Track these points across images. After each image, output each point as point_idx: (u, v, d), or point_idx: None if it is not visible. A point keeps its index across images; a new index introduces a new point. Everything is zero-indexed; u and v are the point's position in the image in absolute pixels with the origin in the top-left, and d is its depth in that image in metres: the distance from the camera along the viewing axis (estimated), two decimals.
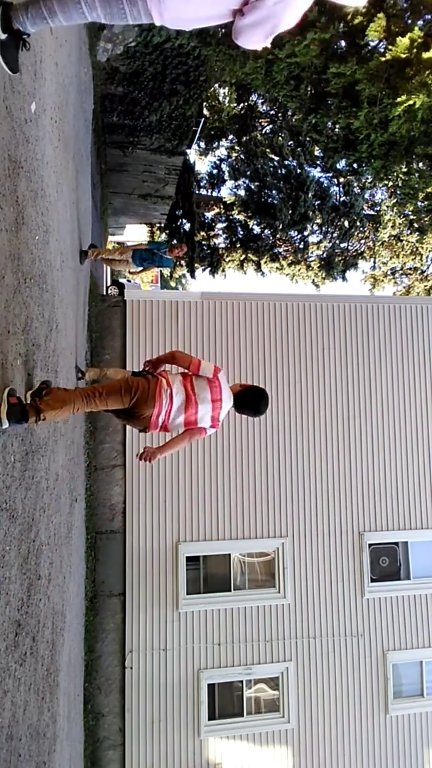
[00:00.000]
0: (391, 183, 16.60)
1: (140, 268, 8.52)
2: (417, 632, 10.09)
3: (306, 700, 9.58)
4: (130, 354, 9.66)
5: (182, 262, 22.01)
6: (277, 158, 19.12)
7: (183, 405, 3.55)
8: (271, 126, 20.25)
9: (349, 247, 21.15)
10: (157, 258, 8.24)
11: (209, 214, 21.15)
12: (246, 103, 19.46)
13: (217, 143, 20.69)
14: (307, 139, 15.95)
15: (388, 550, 10.22)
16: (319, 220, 19.75)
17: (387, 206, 19.99)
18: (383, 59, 9.38)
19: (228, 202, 20.51)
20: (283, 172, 18.87)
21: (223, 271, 21.58)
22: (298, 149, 18.68)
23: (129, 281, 31.94)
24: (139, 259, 8.27)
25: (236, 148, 20.44)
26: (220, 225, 21.41)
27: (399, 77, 9.51)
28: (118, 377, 6.61)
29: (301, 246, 20.57)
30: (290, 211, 18.58)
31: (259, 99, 19.14)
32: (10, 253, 2.80)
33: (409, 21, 9.69)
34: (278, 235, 20.42)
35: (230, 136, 20.34)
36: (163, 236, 22.20)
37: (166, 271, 23.34)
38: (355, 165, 13.19)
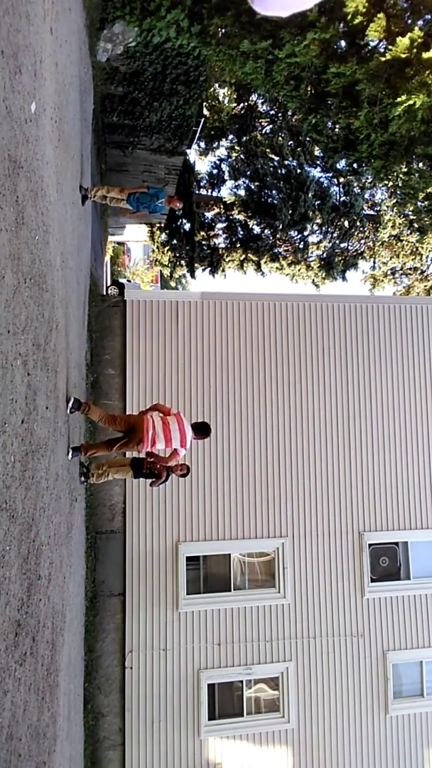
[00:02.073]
0: (391, 183, 16.58)
1: (131, 208, 8.53)
2: (417, 632, 10.09)
3: (306, 700, 9.58)
4: (129, 354, 9.65)
5: (182, 262, 22.00)
6: (277, 158, 19.10)
7: (162, 430, 5.88)
8: (271, 126, 20.24)
9: (349, 247, 21.14)
10: (152, 204, 8.28)
11: (209, 214, 21.14)
12: (246, 103, 19.45)
13: (217, 143, 20.67)
14: (307, 139, 15.94)
15: (388, 550, 10.22)
16: (319, 220, 19.75)
17: (387, 206, 19.98)
18: (383, 59, 9.37)
19: (228, 202, 20.49)
20: (283, 172, 18.86)
21: (223, 271, 21.56)
22: (298, 149, 18.67)
23: (129, 281, 31.95)
24: (135, 201, 8.26)
25: (236, 148, 20.42)
26: (220, 225, 21.39)
27: (399, 77, 9.49)
28: (124, 468, 7.25)
29: (301, 246, 20.55)
30: (290, 211, 18.57)
31: (259, 99, 19.13)
32: (10, 253, 2.80)
33: (409, 21, 9.68)
34: (278, 235, 20.41)
35: (230, 136, 20.32)
36: (164, 236, 22.20)
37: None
38: (355, 165, 13.17)
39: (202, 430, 6.27)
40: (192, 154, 19.30)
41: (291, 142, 19.05)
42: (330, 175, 19.27)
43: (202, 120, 14.99)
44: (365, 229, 20.57)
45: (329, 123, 11.33)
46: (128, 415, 6.51)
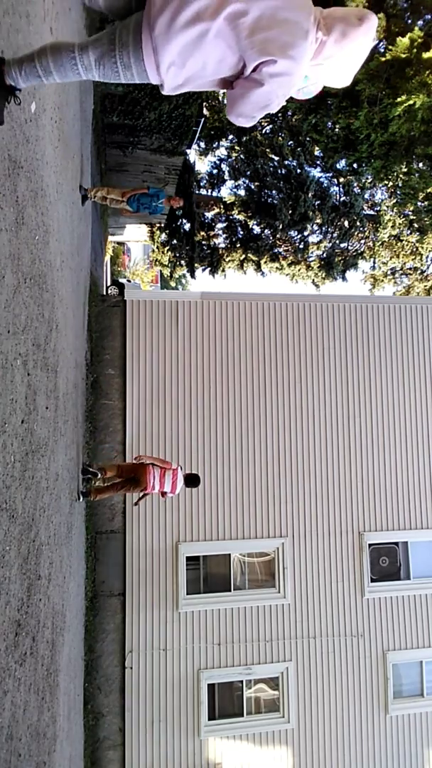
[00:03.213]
0: (391, 183, 16.60)
1: (131, 210, 8.64)
2: (417, 632, 10.10)
3: (306, 700, 9.58)
4: (130, 354, 9.66)
5: (182, 262, 22.00)
6: (277, 158, 19.10)
7: (159, 480, 7.04)
8: (271, 126, 20.23)
9: (349, 247, 21.14)
10: (153, 204, 8.41)
11: (209, 214, 21.14)
12: None
13: (217, 143, 20.67)
14: (307, 139, 15.94)
15: (388, 550, 10.23)
16: (319, 220, 19.75)
17: (387, 206, 19.98)
18: (383, 59, 9.38)
19: (228, 202, 20.50)
20: (283, 172, 18.86)
21: (223, 271, 21.57)
22: (298, 149, 18.66)
23: (129, 281, 31.95)
24: (136, 203, 8.38)
25: (236, 148, 20.41)
26: (220, 225, 21.40)
27: (399, 77, 9.51)
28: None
29: (301, 246, 20.56)
30: (290, 211, 18.57)
31: None
32: (10, 253, 2.80)
33: (409, 21, 9.70)
34: (278, 235, 20.41)
35: (230, 136, 20.32)
36: (164, 236, 22.20)
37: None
38: (355, 165, 13.19)
39: (192, 481, 7.47)
40: (192, 154, 19.30)
41: (291, 142, 19.04)
42: (330, 175, 19.27)
43: (202, 120, 14.97)
44: (365, 229, 20.56)
45: (329, 123, 11.35)
46: (132, 466, 7.42)
